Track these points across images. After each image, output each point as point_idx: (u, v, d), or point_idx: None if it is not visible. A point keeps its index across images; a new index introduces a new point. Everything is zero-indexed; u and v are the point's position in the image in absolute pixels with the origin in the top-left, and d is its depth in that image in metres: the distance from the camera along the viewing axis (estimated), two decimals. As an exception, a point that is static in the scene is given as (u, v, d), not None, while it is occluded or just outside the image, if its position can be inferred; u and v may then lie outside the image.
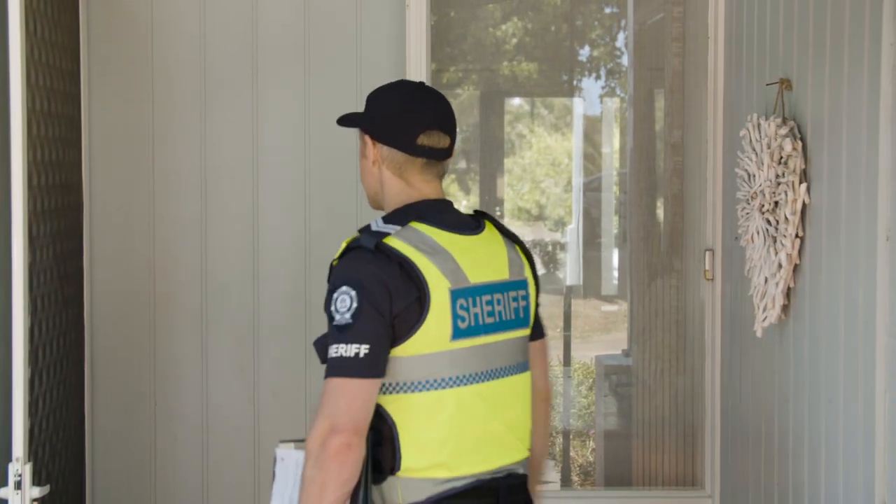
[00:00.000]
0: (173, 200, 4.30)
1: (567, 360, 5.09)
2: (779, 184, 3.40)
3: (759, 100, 3.78)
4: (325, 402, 2.41)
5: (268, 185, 4.23)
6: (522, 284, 2.69)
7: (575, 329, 5.08)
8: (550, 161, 5.50)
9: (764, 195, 3.47)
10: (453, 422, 2.52)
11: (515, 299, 2.66)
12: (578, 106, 5.22)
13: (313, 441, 2.39)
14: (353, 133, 3.84)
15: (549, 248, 5.41)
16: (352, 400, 2.40)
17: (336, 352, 2.42)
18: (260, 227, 4.25)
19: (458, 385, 2.53)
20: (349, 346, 2.41)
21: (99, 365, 4.32)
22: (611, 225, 5.17)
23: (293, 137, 4.19)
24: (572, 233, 5.27)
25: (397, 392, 2.50)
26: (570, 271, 5.28)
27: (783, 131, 3.37)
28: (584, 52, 5.11)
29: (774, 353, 3.64)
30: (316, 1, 4.14)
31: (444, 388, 2.51)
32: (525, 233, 5.37)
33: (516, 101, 5.33)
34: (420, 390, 2.49)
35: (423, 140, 2.62)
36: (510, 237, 2.74)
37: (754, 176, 3.55)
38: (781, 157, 3.37)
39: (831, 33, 3.20)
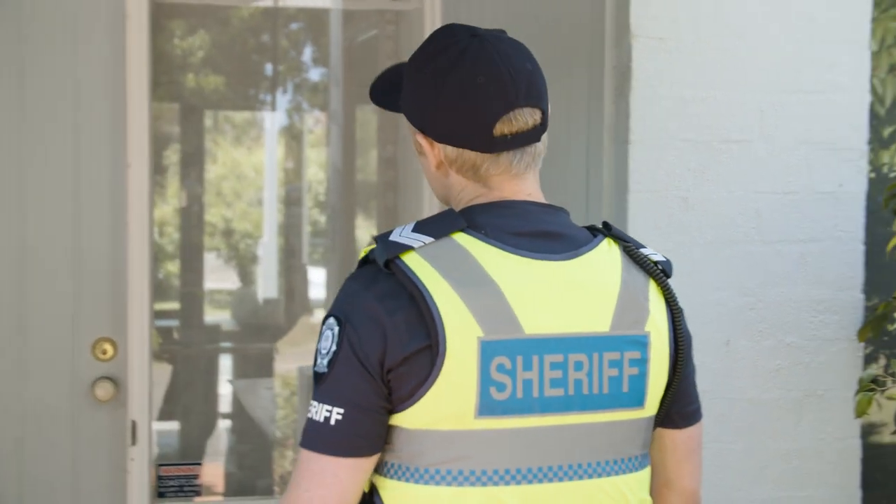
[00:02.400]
0: None
1: (270, 372, 5.12)
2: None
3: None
4: (292, 479, 1.71)
5: None
6: (636, 343, 1.73)
7: (279, 342, 5.10)
8: (237, 175, 5.51)
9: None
10: None
11: (616, 364, 1.72)
12: (269, 120, 5.25)
13: None
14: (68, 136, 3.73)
15: (243, 262, 5.42)
16: (317, 486, 1.67)
17: (309, 411, 1.70)
18: None
19: (491, 484, 1.69)
20: (320, 406, 1.67)
21: None
22: (307, 238, 5.24)
23: (7, 151, 4.00)
24: (266, 246, 5.30)
25: (399, 478, 1.71)
26: (266, 285, 5.30)
27: (506, 147, 3.54)
28: (280, 67, 5.15)
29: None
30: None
31: (466, 484, 1.68)
32: (218, 245, 5.34)
33: (207, 114, 5.29)
34: (431, 482, 1.69)
35: (503, 128, 1.73)
36: (646, 268, 1.78)
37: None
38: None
39: (554, 57, 3.40)
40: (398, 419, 1.67)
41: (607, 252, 1.76)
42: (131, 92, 3.76)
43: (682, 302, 2.96)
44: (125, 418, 3.83)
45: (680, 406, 1.85)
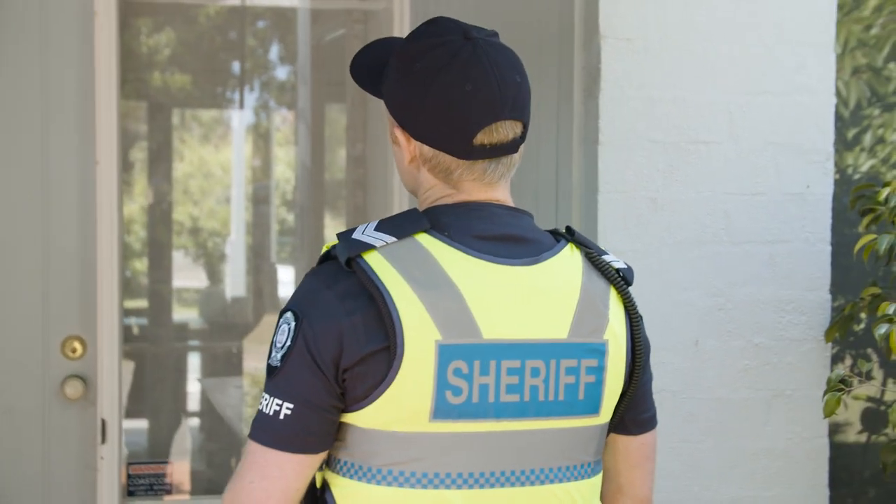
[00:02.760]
0: None
1: (239, 371, 5.10)
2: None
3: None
4: (238, 468, 1.69)
5: None
6: (593, 351, 1.72)
7: (247, 340, 5.09)
8: (205, 173, 5.50)
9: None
10: None
11: (573, 371, 1.71)
12: (237, 118, 5.24)
13: None
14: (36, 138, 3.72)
15: (211, 260, 5.41)
16: (261, 478, 1.66)
17: (260, 403, 1.69)
18: None
19: (443, 487, 1.68)
20: (271, 399, 1.66)
21: None
22: (275, 237, 5.23)
23: None
24: (234, 245, 5.29)
25: (351, 476, 1.70)
26: (234, 283, 5.29)
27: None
28: (247, 65, 5.14)
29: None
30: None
31: (417, 486, 1.67)
32: (186, 243, 5.33)
33: (173, 112, 5.28)
34: (382, 482, 1.68)
35: (483, 138, 1.71)
36: (607, 275, 1.77)
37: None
38: (475, 172, 3.56)
39: (523, 56, 3.41)
40: (352, 418, 1.66)
41: (569, 258, 1.75)
42: (100, 90, 3.74)
43: (651, 302, 3.01)
44: (95, 417, 3.82)
45: (634, 413, 1.85)
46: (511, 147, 1.74)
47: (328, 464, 1.72)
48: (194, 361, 5.07)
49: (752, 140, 3.15)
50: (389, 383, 1.61)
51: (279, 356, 1.66)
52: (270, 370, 1.68)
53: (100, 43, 3.74)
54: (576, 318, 1.71)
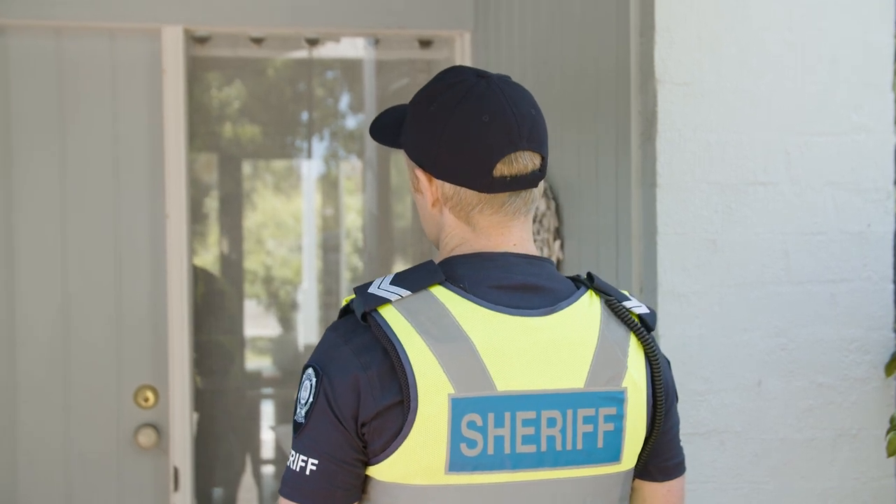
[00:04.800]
0: None
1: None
2: (535, 241, 3.61)
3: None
4: None
5: (25, 253, 4.08)
6: (611, 399, 1.73)
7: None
8: (276, 223, 5.57)
9: (516, 252, 3.68)
10: None
11: (591, 420, 1.71)
12: (308, 168, 5.31)
13: None
14: (111, 194, 3.81)
15: (283, 308, 5.47)
16: None
17: (288, 459, 1.73)
18: (15, 293, 4.08)
19: None
20: (297, 455, 1.70)
21: None
22: (345, 284, 5.29)
23: (50, 204, 4.08)
24: (306, 293, 5.35)
25: None
26: (306, 331, 5.35)
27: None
28: (315, 115, 5.22)
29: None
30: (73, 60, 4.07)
31: None
32: (258, 292, 5.40)
33: (245, 163, 5.37)
34: None
35: (503, 169, 1.73)
36: (627, 322, 1.78)
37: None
38: (536, 216, 3.59)
39: (581, 102, 3.46)
40: (373, 471, 1.69)
41: (587, 306, 1.76)
42: (169, 145, 3.85)
43: (712, 343, 3.01)
44: (167, 465, 3.90)
45: (659, 460, 1.86)
46: (531, 180, 1.76)
47: None
48: (267, 409, 5.13)
49: (810, 180, 3.15)
50: (405, 437, 1.64)
51: (303, 413, 1.70)
52: (296, 426, 1.72)
53: (168, 99, 3.85)
54: (592, 366, 1.71)
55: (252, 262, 5.37)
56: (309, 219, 5.34)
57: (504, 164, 1.73)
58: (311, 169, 5.31)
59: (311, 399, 1.69)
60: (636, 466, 1.82)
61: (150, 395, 3.87)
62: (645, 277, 3.11)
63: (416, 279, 1.71)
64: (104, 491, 3.89)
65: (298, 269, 5.46)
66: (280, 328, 5.37)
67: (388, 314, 1.66)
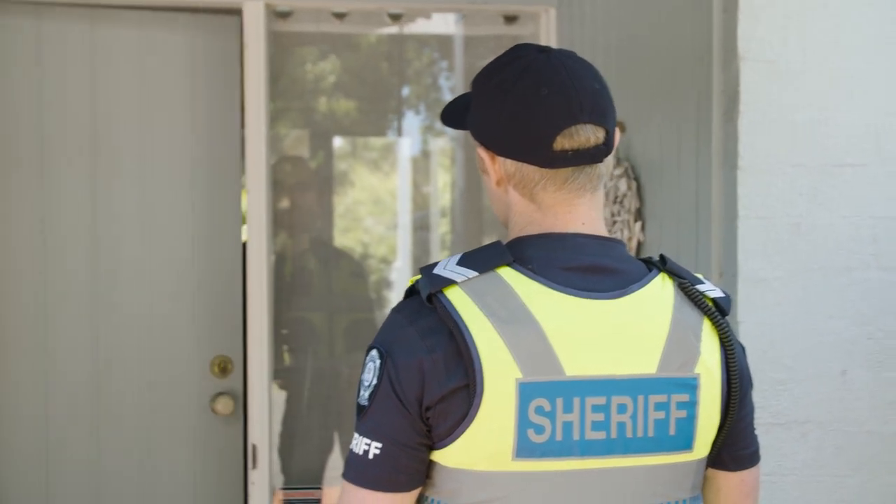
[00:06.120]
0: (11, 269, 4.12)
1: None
2: (615, 222, 3.53)
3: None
4: None
5: (109, 253, 4.08)
6: (684, 385, 1.67)
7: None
8: (374, 200, 5.56)
9: (599, 233, 3.60)
10: None
11: (662, 407, 1.66)
12: (402, 145, 5.29)
13: None
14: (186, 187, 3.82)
15: (376, 286, 5.46)
16: None
17: (351, 442, 1.69)
18: (100, 302, 4.08)
19: None
20: (360, 439, 1.65)
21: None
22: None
23: (131, 181, 4.10)
24: (399, 271, 5.33)
25: None
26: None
27: (618, 172, 3.50)
28: (406, 91, 5.18)
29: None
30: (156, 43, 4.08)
31: None
32: (353, 270, 5.38)
33: (340, 140, 5.36)
34: None
35: (564, 142, 1.68)
36: (701, 306, 1.72)
37: (589, 215, 3.67)
38: (617, 197, 3.51)
39: (664, 80, 3.36)
40: (437, 456, 1.64)
41: (660, 289, 1.71)
42: (249, 119, 3.83)
43: (795, 331, 2.91)
44: (244, 440, 3.91)
45: (733, 449, 1.80)
46: (594, 154, 1.71)
47: (419, 500, 1.70)
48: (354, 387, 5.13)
49: (900, 161, 3.02)
50: (470, 422, 1.58)
51: (366, 395, 1.65)
52: (359, 409, 1.67)
53: (249, 74, 3.84)
54: (665, 351, 1.66)
55: (347, 240, 5.37)
56: (402, 195, 5.32)
57: (564, 138, 1.68)
58: (403, 145, 5.28)
59: (374, 381, 1.64)
60: (709, 455, 1.75)
61: (227, 365, 3.89)
62: (724, 262, 3.01)
63: (483, 260, 1.66)
64: (183, 458, 3.94)
65: (392, 247, 5.44)
66: (373, 306, 5.36)
67: (454, 296, 1.61)
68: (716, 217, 3.05)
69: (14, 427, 3.98)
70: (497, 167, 1.74)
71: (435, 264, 1.68)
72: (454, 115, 1.85)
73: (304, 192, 4.93)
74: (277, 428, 4.56)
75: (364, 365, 1.69)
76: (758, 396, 2.91)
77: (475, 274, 1.63)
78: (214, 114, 3.94)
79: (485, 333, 1.58)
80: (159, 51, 3.87)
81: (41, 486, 4.02)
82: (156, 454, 3.97)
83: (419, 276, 1.68)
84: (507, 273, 1.65)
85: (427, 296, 1.62)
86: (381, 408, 1.63)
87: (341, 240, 5.24)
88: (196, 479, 3.97)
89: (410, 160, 5.30)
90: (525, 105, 1.68)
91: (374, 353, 1.67)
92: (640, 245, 3.47)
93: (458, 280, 1.62)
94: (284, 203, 4.88)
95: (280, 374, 4.66)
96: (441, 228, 5.32)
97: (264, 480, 3.82)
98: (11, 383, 3.98)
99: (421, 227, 5.27)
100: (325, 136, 5.10)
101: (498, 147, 1.73)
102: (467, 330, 1.58)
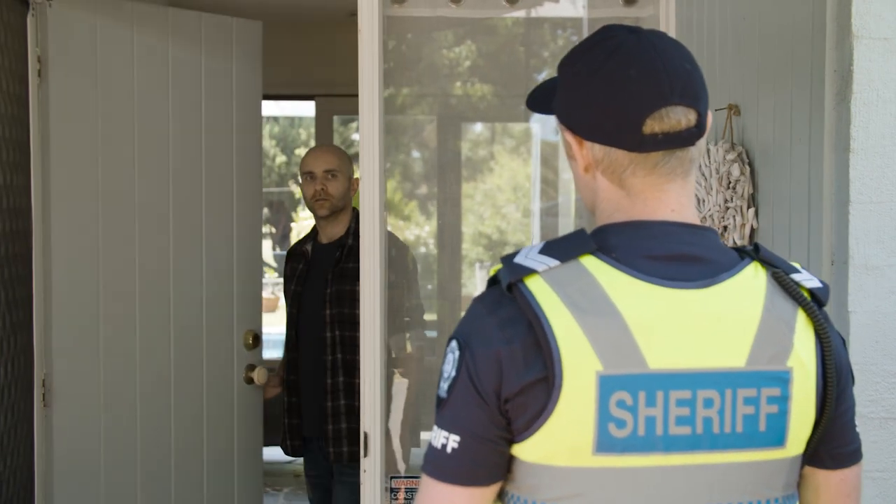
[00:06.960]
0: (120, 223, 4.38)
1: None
2: (727, 208, 3.41)
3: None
4: (414, 502, 1.69)
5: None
6: (775, 379, 1.60)
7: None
8: (512, 186, 5.50)
9: (713, 219, 3.48)
10: None
11: (752, 401, 1.59)
12: (536, 130, 5.21)
13: None
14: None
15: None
16: None
17: (431, 435, 1.65)
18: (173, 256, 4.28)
19: None
20: (439, 432, 1.61)
21: (50, 391, 4.28)
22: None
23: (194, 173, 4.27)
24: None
25: None
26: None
27: (731, 157, 3.38)
28: (541, 76, 5.11)
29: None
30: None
31: None
32: (482, 256, 5.35)
33: (474, 125, 5.32)
34: None
35: (654, 125, 1.62)
36: (795, 296, 1.65)
37: (703, 201, 3.56)
38: (730, 182, 3.39)
39: (777, 60, 3.22)
40: (516, 450, 1.59)
41: (752, 278, 1.64)
42: (363, 103, 3.80)
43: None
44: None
45: (832, 447, 1.70)
46: (686, 137, 1.64)
47: (500, 496, 1.66)
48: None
49: None
50: (549, 415, 1.54)
51: (446, 387, 1.62)
52: (438, 401, 1.63)
53: (363, 57, 3.80)
54: (755, 344, 1.59)
55: (486, 227, 5.35)
56: (534, 181, 5.25)
57: (654, 120, 1.62)
58: (536, 131, 5.22)
59: (453, 373, 1.61)
60: (805, 453, 1.67)
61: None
62: (836, 249, 2.87)
63: (566, 248, 1.61)
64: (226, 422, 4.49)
65: (528, 233, 5.38)
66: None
67: (535, 285, 1.57)
68: (827, 202, 2.91)
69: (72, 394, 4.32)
70: (585, 152, 1.68)
71: (516, 252, 1.63)
72: (541, 99, 1.79)
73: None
74: (399, 416, 4.54)
75: (444, 356, 1.66)
76: (870, 390, 2.77)
77: (557, 263, 1.59)
78: (242, 109, 4.02)
79: (564, 324, 1.54)
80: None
81: (96, 455, 4.41)
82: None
83: (500, 266, 1.63)
84: (589, 262, 1.59)
85: (507, 285, 1.58)
86: (460, 400, 1.59)
87: (475, 227, 5.21)
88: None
89: (542, 144, 5.23)
90: (613, 87, 1.62)
91: (453, 343, 1.63)
92: (753, 231, 3.34)
93: (539, 269, 1.58)
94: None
95: (398, 364, 4.65)
96: (570, 216, 5.23)
97: (376, 468, 3.79)
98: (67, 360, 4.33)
99: (549, 213, 5.20)
100: (456, 121, 5.06)
101: (585, 131, 1.67)
102: (546, 320, 1.54)
